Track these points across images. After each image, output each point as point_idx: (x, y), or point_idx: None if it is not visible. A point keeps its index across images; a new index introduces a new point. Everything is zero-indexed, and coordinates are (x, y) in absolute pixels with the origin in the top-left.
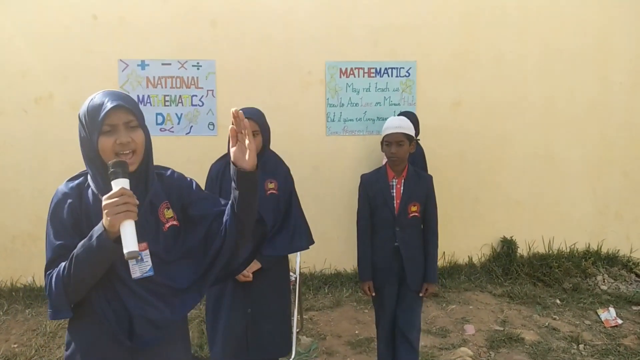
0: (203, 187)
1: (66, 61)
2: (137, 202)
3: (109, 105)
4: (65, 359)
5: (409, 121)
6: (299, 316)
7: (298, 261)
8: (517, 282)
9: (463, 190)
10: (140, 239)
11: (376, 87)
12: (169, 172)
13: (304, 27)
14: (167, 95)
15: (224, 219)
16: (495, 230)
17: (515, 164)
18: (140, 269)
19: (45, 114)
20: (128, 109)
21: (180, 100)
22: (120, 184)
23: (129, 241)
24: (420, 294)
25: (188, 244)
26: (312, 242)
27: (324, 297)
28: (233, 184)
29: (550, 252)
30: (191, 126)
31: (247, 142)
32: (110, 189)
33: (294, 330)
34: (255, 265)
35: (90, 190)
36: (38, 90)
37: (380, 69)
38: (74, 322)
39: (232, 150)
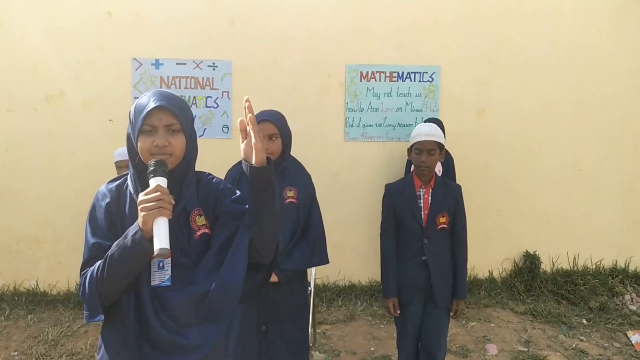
0: None
1: (79, 59)
2: (173, 201)
3: (151, 105)
4: None
5: (439, 129)
6: (312, 330)
7: (313, 273)
8: (540, 299)
9: (486, 202)
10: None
11: (398, 92)
12: (207, 177)
13: (325, 29)
14: (181, 96)
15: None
16: (518, 244)
17: (543, 175)
18: (160, 277)
19: (56, 112)
20: (171, 111)
21: (194, 102)
22: (157, 181)
23: (161, 238)
24: (451, 313)
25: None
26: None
27: (337, 310)
28: (247, 185)
29: (575, 268)
30: (205, 128)
31: (252, 140)
32: (146, 189)
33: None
34: (272, 277)
35: (127, 192)
36: (49, 88)
37: (402, 73)
38: (105, 327)
39: (242, 146)
